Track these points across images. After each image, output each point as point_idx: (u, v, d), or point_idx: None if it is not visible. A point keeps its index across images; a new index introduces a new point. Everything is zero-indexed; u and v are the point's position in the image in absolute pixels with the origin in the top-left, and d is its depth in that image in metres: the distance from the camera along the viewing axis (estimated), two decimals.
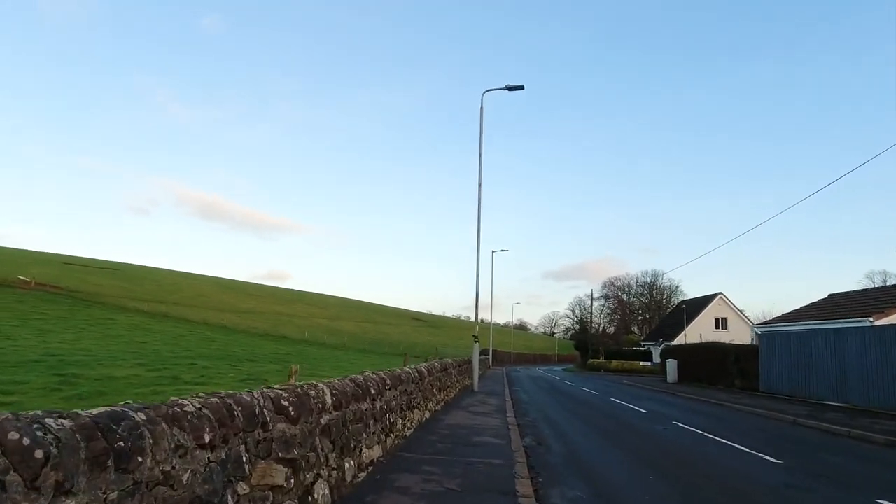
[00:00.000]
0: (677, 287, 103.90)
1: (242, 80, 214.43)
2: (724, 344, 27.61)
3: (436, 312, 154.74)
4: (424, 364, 11.93)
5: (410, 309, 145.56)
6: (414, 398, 9.19)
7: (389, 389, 7.20)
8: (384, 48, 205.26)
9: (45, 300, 54.49)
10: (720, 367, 25.27)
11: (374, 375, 6.83)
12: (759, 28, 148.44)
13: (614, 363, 56.05)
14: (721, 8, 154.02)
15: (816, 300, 24.80)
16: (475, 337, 19.31)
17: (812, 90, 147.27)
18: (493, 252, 49.96)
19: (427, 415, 10.85)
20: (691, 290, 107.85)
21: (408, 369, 9.23)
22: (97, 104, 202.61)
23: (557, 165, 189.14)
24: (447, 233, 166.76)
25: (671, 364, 30.19)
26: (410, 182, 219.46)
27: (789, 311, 23.42)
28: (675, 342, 55.11)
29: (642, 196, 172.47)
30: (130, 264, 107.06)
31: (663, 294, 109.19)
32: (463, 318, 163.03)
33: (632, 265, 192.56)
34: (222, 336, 52.68)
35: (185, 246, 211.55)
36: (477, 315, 21.07)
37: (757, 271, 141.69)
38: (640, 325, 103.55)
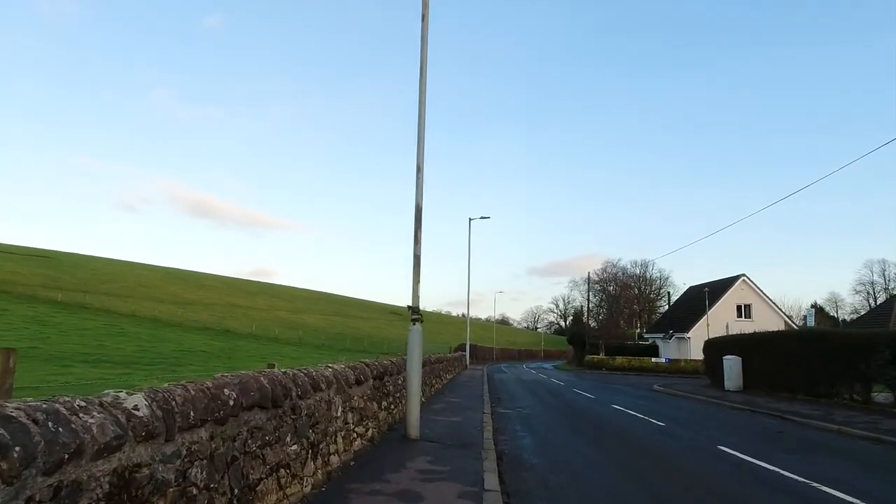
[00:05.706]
0: (667, 278, 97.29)
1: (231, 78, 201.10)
2: (849, 331, 18.62)
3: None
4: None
5: (389, 303, 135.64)
6: None
7: None
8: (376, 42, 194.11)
9: None
10: (844, 368, 15.45)
11: None
12: (761, 15, 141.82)
13: (618, 360, 47.75)
14: None
15: None
16: (412, 311, 8.82)
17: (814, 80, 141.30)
18: (470, 220, 39.00)
19: None
20: (681, 280, 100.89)
21: None
22: (95, 103, 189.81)
23: (546, 160, 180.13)
24: (437, 229, 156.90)
25: (732, 363, 21.21)
26: (401, 177, 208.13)
27: None
28: (691, 333, 47.05)
29: (630, 191, 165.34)
30: (68, 252, 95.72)
31: (652, 285, 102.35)
32: (444, 312, 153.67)
33: (619, 262, 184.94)
34: (145, 330, 42.88)
35: (172, 243, 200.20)
36: (419, 234, 9.15)
37: (752, 261, 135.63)
38: (626, 319, 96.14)
